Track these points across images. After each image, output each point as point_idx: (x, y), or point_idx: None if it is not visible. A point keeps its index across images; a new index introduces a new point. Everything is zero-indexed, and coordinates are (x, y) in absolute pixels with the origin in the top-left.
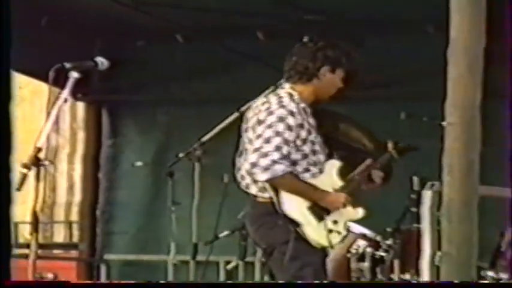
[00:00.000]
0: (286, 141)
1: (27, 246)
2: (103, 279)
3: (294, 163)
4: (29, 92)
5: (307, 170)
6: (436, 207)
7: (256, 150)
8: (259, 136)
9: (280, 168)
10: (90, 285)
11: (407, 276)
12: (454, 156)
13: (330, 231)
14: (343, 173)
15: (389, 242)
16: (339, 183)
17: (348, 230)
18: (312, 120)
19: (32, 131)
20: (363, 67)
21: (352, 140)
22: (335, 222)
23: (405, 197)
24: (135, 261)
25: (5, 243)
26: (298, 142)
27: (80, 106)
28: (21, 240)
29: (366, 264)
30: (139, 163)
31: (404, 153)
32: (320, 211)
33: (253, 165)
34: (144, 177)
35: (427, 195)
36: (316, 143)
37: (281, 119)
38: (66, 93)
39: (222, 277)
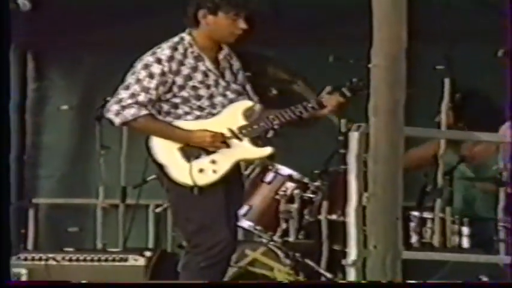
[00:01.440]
0: (144, 89)
1: None
2: (31, 223)
3: (175, 106)
4: None
5: (188, 113)
6: (363, 148)
7: (115, 96)
8: (123, 82)
9: (130, 112)
10: (90, 285)
11: (334, 217)
12: (380, 97)
13: (201, 170)
14: (252, 114)
15: (317, 183)
16: (240, 123)
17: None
18: (208, 65)
19: None
20: (270, 9)
21: (281, 83)
22: (213, 161)
23: (333, 139)
24: (63, 205)
25: (5, 243)
26: (175, 88)
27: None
28: None
29: (295, 206)
30: (65, 107)
31: (357, 92)
32: (195, 151)
33: (107, 110)
34: (71, 121)
35: (354, 137)
36: (201, 88)
37: (145, 66)
38: None
39: (150, 220)
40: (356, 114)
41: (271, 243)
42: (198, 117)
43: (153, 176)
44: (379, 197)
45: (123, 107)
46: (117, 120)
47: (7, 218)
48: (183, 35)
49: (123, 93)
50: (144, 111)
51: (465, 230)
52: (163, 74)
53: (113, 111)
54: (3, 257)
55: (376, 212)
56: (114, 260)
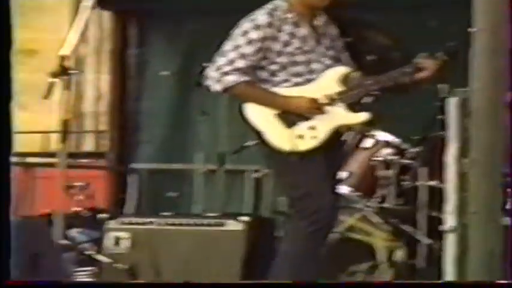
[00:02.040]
0: (243, 55)
1: (55, 155)
2: (131, 188)
3: (273, 73)
4: (53, 1)
5: (285, 80)
6: (463, 114)
7: (213, 62)
8: (221, 49)
9: (230, 79)
10: (90, 285)
11: (432, 183)
12: (482, 62)
13: (300, 136)
14: (349, 81)
15: (416, 149)
16: (337, 89)
17: (331, 133)
18: (305, 31)
19: (58, 40)
20: None
21: (381, 48)
22: (312, 128)
23: (432, 105)
24: (162, 170)
25: (5, 243)
26: (272, 55)
27: (106, 15)
28: (50, 150)
29: (393, 172)
30: (165, 72)
31: (453, 55)
32: (293, 118)
33: (206, 77)
34: (170, 86)
35: (453, 102)
36: (298, 54)
37: (243, 33)
38: (91, 1)
39: (248, 186)
40: (454, 80)
41: (369, 208)
42: (295, 84)
43: (252, 142)
44: (481, 163)
45: (223, 74)
46: (216, 87)
47: (7, 218)
48: (279, 1)
49: (221, 60)
50: (243, 78)
51: None
52: (261, 40)
53: (212, 78)
54: (3, 257)
55: (477, 177)
56: (211, 224)
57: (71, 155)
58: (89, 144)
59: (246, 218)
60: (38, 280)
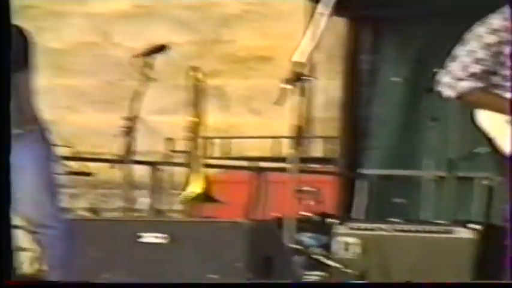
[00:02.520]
0: (477, 60)
1: (286, 160)
2: (360, 193)
3: (505, 78)
4: (288, 8)
5: None
6: None
7: (445, 68)
8: (454, 54)
9: (464, 85)
10: (90, 285)
11: None
12: None
13: None
14: None
15: None
16: None
17: None
18: None
19: (291, 47)
20: None
21: None
22: None
23: None
24: (391, 176)
25: (5, 243)
26: (505, 59)
27: (340, 21)
28: (281, 155)
29: None
30: (396, 79)
31: None
32: None
33: (439, 83)
34: (401, 92)
35: None
36: None
37: (478, 37)
38: (325, 8)
39: (477, 193)
40: None
41: None
42: None
43: (483, 149)
44: None
45: (456, 80)
46: (449, 93)
47: (7, 219)
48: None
49: (454, 66)
50: (478, 84)
51: None
52: (496, 44)
53: (444, 84)
54: (3, 257)
55: None
56: (440, 232)
57: (301, 160)
58: (317, 150)
59: (476, 226)
60: (38, 280)
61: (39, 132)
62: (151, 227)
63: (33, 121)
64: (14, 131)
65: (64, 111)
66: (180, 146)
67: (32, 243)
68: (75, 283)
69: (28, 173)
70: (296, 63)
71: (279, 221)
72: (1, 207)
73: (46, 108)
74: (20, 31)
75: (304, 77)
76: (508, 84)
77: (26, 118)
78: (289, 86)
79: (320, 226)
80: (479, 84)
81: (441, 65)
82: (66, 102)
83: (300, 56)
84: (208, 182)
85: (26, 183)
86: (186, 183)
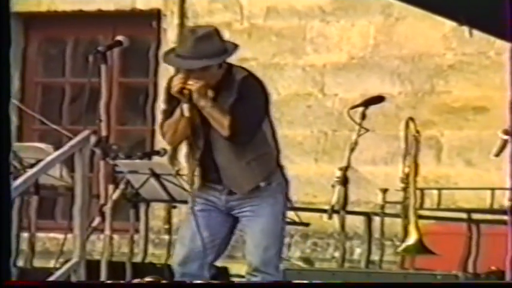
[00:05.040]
0: None
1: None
2: None
3: None
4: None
5: None
6: None
7: None
8: None
9: None
10: (91, 285)
11: None
12: None
13: None
14: None
15: None
16: None
17: None
18: None
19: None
20: None
21: None
22: None
23: None
24: None
25: (5, 243)
26: None
27: None
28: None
29: None
30: None
31: None
32: None
33: None
34: None
35: None
36: None
37: None
38: None
39: None
40: None
41: None
42: None
43: None
44: None
45: None
46: None
47: (7, 219)
48: None
49: None
50: None
51: None
52: None
53: None
54: (3, 257)
55: None
56: None
57: None
58: None
59: None
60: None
61: (280, 184)
62: (365, 278)
63: (276, 170)
64: (261, 184)
65: None
66: (393, 196)
67: None
68: (75, 283)
69: (265, 221)
70: None
71: (498, 274)
72: (1, 208)
73: None
74: (260, 82)
75: None
76: None
77: (273, 167)
78: (507, 137)
79: None
80: None
81: None
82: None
83: None
84: (422, 233)
85: (259, 230)
86: (402, 235)
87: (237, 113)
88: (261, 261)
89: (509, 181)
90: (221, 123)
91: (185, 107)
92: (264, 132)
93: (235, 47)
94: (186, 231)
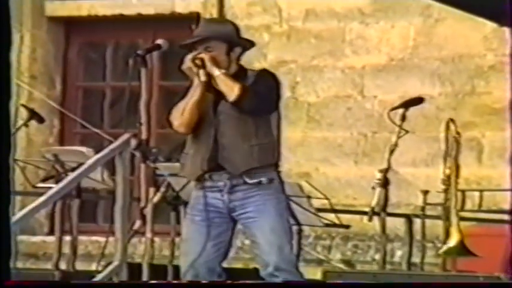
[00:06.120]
0: None
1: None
2: None
3: None
4: None
5: None
6: None
7: None
8: None
9: None
10: (91, 285)
11: None
12: None
13: None
14: None
15: None
16: None
17: None
18: None
19: None
20: None
21: None
22: None
23: None
24: None
25: (5, 243)
26: None
27: None
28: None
29: None
30: None
31: None
32: None
33: None
34: None
35: None
36: None
37: None
38: None
39: None
40: None
41: None
42: None
43: None
44: None
45: None
46: None
47: (7, 219)
48: None
49: None
50: None
51: None
52: None
53: None
54: (3, 257)
55: None
56: None
57: None
58: None
59: None
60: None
61: (280, 183)
62: (406, 280)
63: (275, 166)
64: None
65: (319, 163)
66: (434, 198)
67: None
68: (75, 283)
69: (272, 220)
70: None
71: None
72: (1, 208)
73: (302, 160)
74: (275, 77)
75: None
76: None
77: (271, 161)
78: None
79: None
80: None
81: None
82: (321, 154)
83: None
84: (464, 234)
85: (269, 229)
86: (444, 236)
87: (250, 86)
88: (281, 260)
89: (509, 181)
90: (231, 87)
91: (201, 72)
92: (270, 123)
93: (250, 42)
94: (189, 246)
